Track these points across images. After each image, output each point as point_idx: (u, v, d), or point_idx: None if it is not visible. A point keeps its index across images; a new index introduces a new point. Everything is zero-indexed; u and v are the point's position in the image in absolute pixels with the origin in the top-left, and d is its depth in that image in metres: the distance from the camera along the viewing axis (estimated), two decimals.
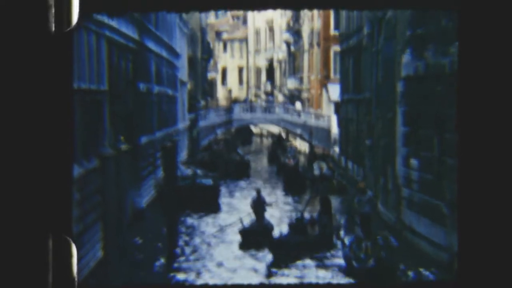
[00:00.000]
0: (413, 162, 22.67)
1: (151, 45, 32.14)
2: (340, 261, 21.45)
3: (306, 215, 24.48)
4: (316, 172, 40.26)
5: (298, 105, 68.19)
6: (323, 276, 20.43)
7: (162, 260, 22.21)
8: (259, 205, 25.48)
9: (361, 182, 27.27)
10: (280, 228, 24.25)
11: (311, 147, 49.50)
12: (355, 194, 25.14)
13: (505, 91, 5.36)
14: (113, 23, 22.82)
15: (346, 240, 21.79)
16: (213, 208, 31.39)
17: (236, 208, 31.38)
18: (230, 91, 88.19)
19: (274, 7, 5.96)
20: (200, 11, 15.02)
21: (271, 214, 27.22)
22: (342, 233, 23.67)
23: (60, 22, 5.35)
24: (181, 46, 47.66)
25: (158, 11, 14.26)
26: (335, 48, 53.82)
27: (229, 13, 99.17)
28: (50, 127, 5.42)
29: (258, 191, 26.09)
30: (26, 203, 5.30)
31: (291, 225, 23.77)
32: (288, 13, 76.62)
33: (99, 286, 16.98)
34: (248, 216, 25.50)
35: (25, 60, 5.29)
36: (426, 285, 8.53)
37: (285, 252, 21.82)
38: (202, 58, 63.61)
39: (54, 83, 5.40)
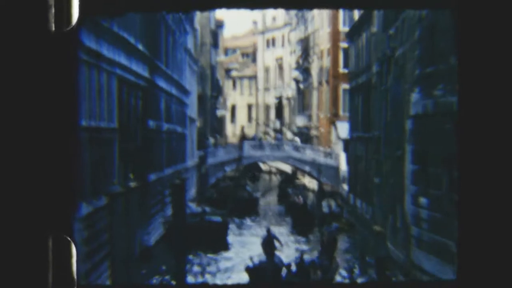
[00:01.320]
0: (422, 200, 22.60)
1: (161, 83, 32.33)
2: None
3: (307, 257, 24.07)
4: (325, 210, 40.15)
5: (297, 139, 68.26)
6: None
7: None
8: (269, 244, 25.37)
9: (377, 226, 27.14)
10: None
11: (320, 184, 49.41)
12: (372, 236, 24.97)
13: (506, 91, 5.36)
14: (124, 61, 23.00)
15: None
16: (222, 246, 31.28)
17: (245, 246, 31.25)
18: (242, 128, 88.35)
19: (274, 6, 5.95)
20: (201, 10, 15.07)
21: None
22: (355, 274, 23.41)
23: (60, 22, 5.34)
24: (191, 83, 47.91)
25: (158, 11, 14.34)
26: (344, 86, 54.01)
27: (238, 51, 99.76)
28: (49, 127, 5.41)
29: (268, 230, 26.04)
30: (26, 203, 5.28)
31: (291, 270, 23.18)
32: (298, 51, 77.00)
33: (99, 286, 16.84)
34: (258, 256, 25.32)
35: (25, 60, 5.29)
36: (426, 285, 8.45)
37: None
38: (211, 96, 63.88)
39: (54, 83, 5.39)
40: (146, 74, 27.65)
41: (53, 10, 5.30)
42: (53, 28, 5.31)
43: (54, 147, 5.37)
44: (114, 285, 17.93)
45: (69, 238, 5.34)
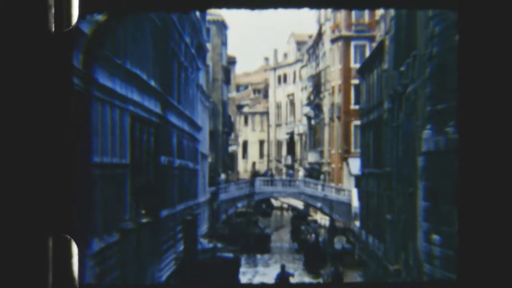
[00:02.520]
0: (435, 237, 22.48)
1: (173, 119, 32.48)
2: None
3: None
4: (337, 246, 39.95)
5: (300, 173, 68.13)
6: None
7: None
8: (283, 281, 25.27)
9: (396, 264, 26.97)
10: None
11: (332, 221, 49.22)
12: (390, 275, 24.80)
13: (506, 90, 5.35)
14: (137, 97, 23.15)
15: None
16: (234, 283, 31.14)
17: (257, 283, 31.09)
18: (254, 165, 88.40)
19: (275, 6, 5.96)
20: (201, 10, 15.18)
21: None
22: None
23: (60, 22, 5.35)
24: (203, 119, 48.10)
25: (157, 11, 14.43)
26: (356, 122, 54.07)
27: (250, 87, 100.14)
28: (49, 126, 5.41)
29: (283, 267, 25.96)
30: (26, 202, 5.27)
31: None
32: (309, 87, 77.23)
33: (99, 286, 16.72)
34: None
35: (25, 60, 5.28)
36: (426, 285, 8.36)
37: None
38: (223, 132, 64.04)
39: (54, 83, 5.39)
40: (158, 110, 27.80)
41: (53, 10, 5.32)
42: (53, 28, 5.32)
43: (54, 147, 5.36)
44: (114, 285, 17.83)
45: (69, 238, 5.33)
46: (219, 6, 6.10)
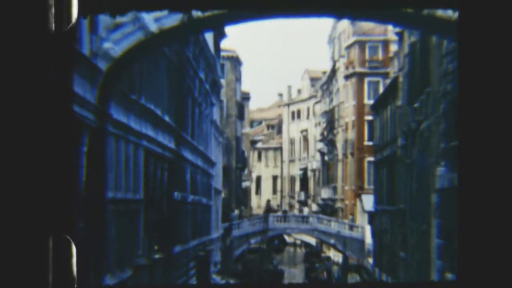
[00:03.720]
0: (449, 276, 22.31)
1: (187, 154, 32.56)
2: None
3: None
4: None
5: (305, 210, 67.87)
6: None
7: None
8: None
9: None
10: None
11: (345, 258, 48.93)
12: None
13: (506, 90, 5.33)
14: (151, 133, 23.26)
15: None
16: None
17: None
18: (268, 202, 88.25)
19: (276, 11, 5.98)
20: (202, 10, 15.22)
21: None
22: None
23: (60, 22, 5.36)
24: (216, 155, 48.18)
25: (157, 10, 14.48)
26: (369, 158, 54.00)
27: (264, 123, 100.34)
28: (49, 125, 5.40)
29: None
30: (26, 203, 5.25)
31: None
32: (322, 123, 77.33)
33: (99, 286, 16.59)
34: None
35: (25, 59, 5.29)
36: (426, 285, 8.26)
37: None
38: (236, 167, 64.07)
39: (53, 82, 5.39)
40: (172, 145, 27.90)
41: (53, 10, 5.35)
42: (53, 28, 5.35)
43: (54, 146, 5.36)
44: (114, 285, 17.73)
45: (69, 238, 5.32)
46: (219, 6, 6.17)
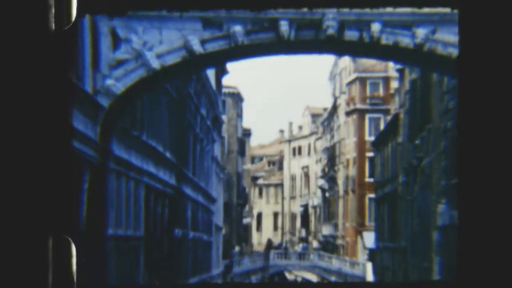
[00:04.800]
0: None
1: (188, 191, 32.52)
2: None
3: None
4: None
5: (299, 247, 67.59)
6: None
7: None
8: None
9: None
10: None
11: None
12: None
13: (507, 89, 5.31)
14: (152, 169, 23.27)
15: None
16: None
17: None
18: (269, 240, 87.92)
19: (275, 6, 5.97)
20: (201, 10, 15.25)
21: None
22: None
23: (60, 22, 5.37)
24: (218, 191, 48.11)
25: (157, 10, 14.53)
26: (370, 195, 53.92)
27: (265, 159, 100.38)
28: (48, 125, 5.38)
29: None
30: (26, 203, 5.23)
31: None
32: (324, 160, 77.34)
33: (99, 286, 16.41)
34: None
35: (26, 58, 5.28)
36: (426, 285, 8.16)
37: None
38: (237, 204, 63.93)
39: (53, 82, 5.37)
40: (173, 182, 27.88)
41: (53, 10, 5.36)
42: (53, 28, 5.35)
43: (54, 146, 5.34)
44: (114, 285, 17.56)
45: (69, 238, 5.29)
46: (219, 6, 6.19)
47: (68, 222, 5.55)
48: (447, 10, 17.90)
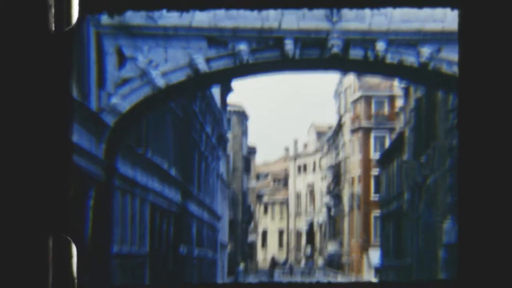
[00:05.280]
0: None
1: (193, 208, 32.53)
2: None
3: None
4: None
5: (305, 264, 67.27)
6: None
7: None
8: None
9: None
10: None
11: None
12: None
13: (507, 90, 5.30)
14: (157, 187, 23.30)
15: None
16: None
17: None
18: (273, 258, 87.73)
19: (275, 6, 5.97)
20: (201, 9, 15.26)
21: None
22: None
23: (60, 22, 5.37)
24: (223, 208, 48.09)
25: (157, 10, 14.55)
26: (376, 212, 53.82)
27: (270, 176, 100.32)
28: (49, 125, 5.38)
29: None
30: (26, 203, 5.23)
31: None
32: (329, 177, 77.28)
33: (99, 286, 16.33)
34: None
35: (25, 59, 5.29)
36: (426, 285, 8.11)
37: None
38: (242, 221, 63.86)
39: (53, 82, 5.38)
40: (178, 199, 27.90)
41: (53, 10, 5.38)
42: (53, 28, 5.37)
43: (54, 146, 5.35)
44: (115, 285, 17.50)
45: (69, 238, 5.29)
46: (219, 6, 6.21)
47: (68, 227, 5.57)
48: (452, 29, 17.97)
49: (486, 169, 5.41)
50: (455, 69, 18.21)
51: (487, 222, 5.38)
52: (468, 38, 5.45)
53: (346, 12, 18.20)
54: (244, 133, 65.45)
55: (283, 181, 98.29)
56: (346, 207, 66.05)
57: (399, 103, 49.87)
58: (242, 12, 18.05)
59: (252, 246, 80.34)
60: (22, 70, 5.40)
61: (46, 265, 5.32)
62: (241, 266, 61.79)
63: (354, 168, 62.35)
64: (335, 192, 71.97)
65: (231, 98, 54.00)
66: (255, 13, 18.08)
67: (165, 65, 17.91)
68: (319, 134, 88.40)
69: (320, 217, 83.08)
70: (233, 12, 18.02)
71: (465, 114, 5.54)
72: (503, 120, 5.38)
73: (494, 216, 5.40)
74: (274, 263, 79.87)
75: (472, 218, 5.41)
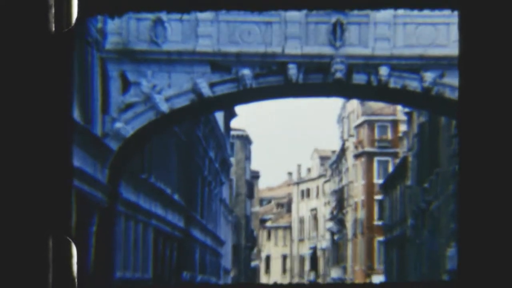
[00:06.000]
0: None
1: (196, 234, 32.45)
2: None
3: None
4: None
5: None
6: None
7: None
8: None
9: None
10: None
11: None
12: None
13: (507, 90, 5.27)
14: (161, 212, 23.27)
15: None
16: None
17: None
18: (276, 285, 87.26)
19: (276, 7, 5.96)
20: (201, 10, 15.21)
21: None
22: None
23: (60, 22, 5.38)
24: (226, 233, 47.97)
25: (157, 10, 14.53)
26: (379, 238, 53.65)
27: (273, 201, 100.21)
28: (49, 126, 5.36)
29: None
30: (26, 203, 5.20)
31: None
32: (332, 202, 77.16)
33: (99, 286, 16.17)
34: None
35: (25, 60, 5.28)
36: (426, 285, 8.03)
37: None
38: (246, 246, 63.68)
39: (54, 83, 5.37)
40: (181, 225, 27.85)
41: (53, 10, 5.39)
42: (53, 28, 5.38)
43: (54, 147, 5.33)
44: (114, 285, 17.35)
45: (69, 238, 5.27)
46: (219, 6, 6.22)
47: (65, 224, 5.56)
48: (454, 54, 18.00)
49: (487, 171, 5.41)
50: (458, 94, 18.22)
51: (488, 222, 5.37)
52: (468, 39, 5.46)
53: (349, 37, 18.26)
54: (248, 158, 65.46)
55: (286, 206, 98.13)
56: (349, 233, 65.85)
57: (402, 128, 49.90)
58: (245, 37, 18.11)
59: (255, 272, 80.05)
60: (21, 70, 5.41)
61: (46, 265, 5.31)
62: None
63: (357, 193, 62.24)
64: (338, 217, 71.80)
65: (234, 123, 54.11)
66: (258, 37, 18.15)
67: (169, 90, 17.96)
68: (323, 159, 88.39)
69: (324, 242, 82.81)
70: (237, 37, 18.09)
71: (466, 114, 5.54)
72: (504, 122, 5.38)
73: (495, 216, 5.38)
74: None
75: (472, 218, 5.39)
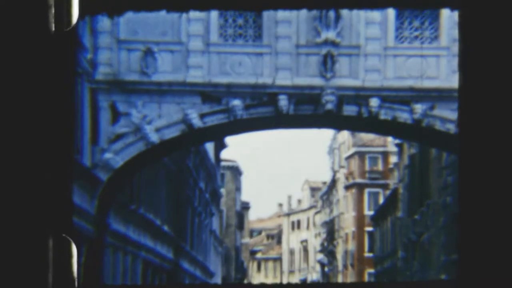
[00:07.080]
0: None
1: (186, 265, 32.24)
2: None
3: None
4: None
5: None
6: None
7: None
8: None
9: None
10: None
11: None
12: None
13: (507, 90, 5.24)
14: (150, 243, 23.10)
15: None
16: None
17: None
18: None
19: (276, 7, 5.95)
20: (201, 10, 15.14)
21: None
22: None
23: (60, 22, 5.34)
24: (216, 265, 47.70)
25: (157, 10, 14.43)
26: (370, 270, 53.44)
27: (263, 233, 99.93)
28: (50, 126, 5.30)
29: None
30: (26, 203, 5.15)
31: None
32: (322, 234, 76.96)
33: (99, 286, 15.90)
34: None
35: (25, 59, 5.25)
36: (426, 285, 7.93)
37: None
38: (235, 278, 63.31)
39: (54, 82, 5.33)
40: (171, 256, 27.66)
41: (53, 10, 5.35)
42: (53, 28, 5.34)
43: (54, 147, 5.28)
44: (115, 285, 17.09)
45: (69, 238, 5.23)
46: (219, 6, 6.20)
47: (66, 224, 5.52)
48: (445, 86, 18.06)
49: (487, 172, 5.39)
50: (448, 126, 18.24)
51: (488, 223, 5.32)
52: (468, 39, 5.46)
53: (340, 69, 18.31)
54: (238, 188, 65.32)
55: (276, 237, 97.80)
56: (340, 265, 65.60)
57: (393, 159, 49.94)
58: (236, 68, 18.14)
59: None
60: (22, 70, 5.42)
61: (46, 265, 5.28)
62: None
63: (348, 225, 62.12)
64: (329, 249, 71.58)
65: (225, 154, 54.08)
66: (249, 69, 18.18)
67: (159, 121, 17.93)
68: (313, 190, 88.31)
69: (314, 274, 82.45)
70: (227, 68, 18.11)
71: (466, 115, 5.53)
72: (504, 122, 5.38)
73: (494, 217, 5.35)
74: None
75: (472, 218, 5.36)
